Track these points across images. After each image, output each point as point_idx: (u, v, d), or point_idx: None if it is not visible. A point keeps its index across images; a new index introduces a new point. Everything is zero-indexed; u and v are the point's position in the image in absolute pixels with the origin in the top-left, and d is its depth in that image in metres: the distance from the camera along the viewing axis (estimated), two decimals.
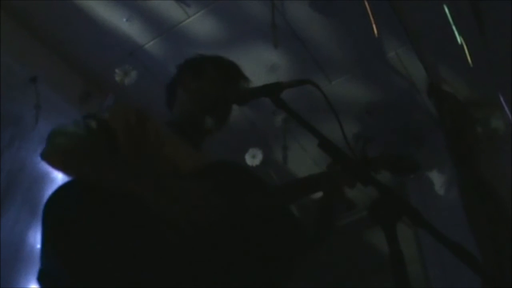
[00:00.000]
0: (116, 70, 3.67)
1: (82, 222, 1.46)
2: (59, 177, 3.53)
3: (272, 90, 1.65)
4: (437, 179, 4.32)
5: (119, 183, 1.55)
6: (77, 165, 1.61)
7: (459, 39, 3.63)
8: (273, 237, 1.72)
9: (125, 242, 1.45)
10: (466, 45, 3.67)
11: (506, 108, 4.08)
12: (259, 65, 3.94)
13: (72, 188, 1.57)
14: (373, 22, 3.47)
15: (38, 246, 3.29)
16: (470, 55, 3.70)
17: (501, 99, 4.11)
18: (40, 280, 1.47)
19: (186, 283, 1.47)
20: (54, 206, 1.51)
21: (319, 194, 1.96)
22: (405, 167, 1.96)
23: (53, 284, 1.46)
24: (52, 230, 1.47)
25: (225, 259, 1.55)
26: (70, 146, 1.65)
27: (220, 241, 1.57)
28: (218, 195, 1.61)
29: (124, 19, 3.74)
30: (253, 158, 4.22)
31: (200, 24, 3.80)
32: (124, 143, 1.70)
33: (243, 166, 1.89)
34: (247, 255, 1.60)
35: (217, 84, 2.08)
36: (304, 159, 4.65)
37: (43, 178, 3.49)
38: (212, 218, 1.56)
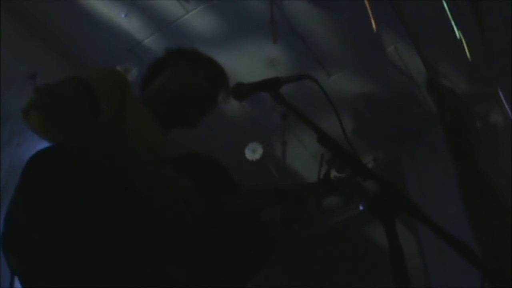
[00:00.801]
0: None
1: (59, 190, 1.41)
2: None
3: (271, 85, 1.65)
4: (436, 175, 4.32)
5: (104, 156, 1.50)
6: (55, 126, 1.55)
7: (458, 33, 3.63)
8: (234, 236, 1.70)
9: (101, 216, 1.40)
10: (465, 40, 3.67)
11: (505, 103, 4.09)
12: (258, 60, 3.94)
13: (56, 151, 1.52)
14: (372, 17, 3.46)
15: None
16: (469, 49, 3.70)
17: (500, 93, 4.11)
18: (4, 245, 1.41)
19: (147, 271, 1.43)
20: (34, 168, 1.47)
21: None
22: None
23: (18, 250, 1.40)
24: (26, 193, 1.44)
25: (189, 257, 1.54)
26: (52, 105, 1.56)
27: (187, 238, 1.55)
28: (201, 191, 1.58)
29: (123, 15, 3.73)
30: (253, 152, 4.21)
31: (199, 20, 3.79)
32: (107, 108, 1.65)
33: (216, 161, 1.87)
34: (209, 253, 1.59)
35: (209, 81, 2.07)
36: (303, 154, 4.65)
37: None
38: (195, 212, 1.54)
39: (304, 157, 4.66)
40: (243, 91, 1.71)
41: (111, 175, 1.48)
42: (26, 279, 1.41)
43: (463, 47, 3.69)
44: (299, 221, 1.87)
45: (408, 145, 4.68)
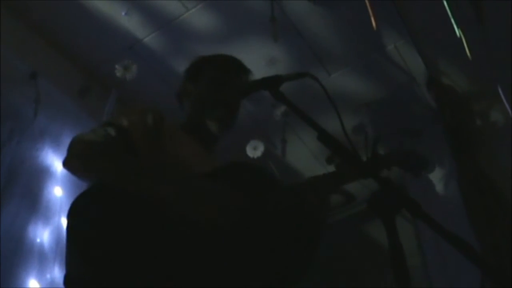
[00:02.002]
0: (116, 66, 3.66)
1: (107, 228, 1.49)
2: (58, 172, 3.53)
3: (271, 83, 1.65)
4: (436, 172, 4.32)
5: (141, 184, 1.57)
6: (97, 168, 1.63)
7: (458, 32, 3.62)
8: (289, 236, 1.71)
9: (148, 249, 1.47)
10: (465, 38, 3.67)
11: (505, 101, 4.08)
12: (259, 58, 3.94)
13: (96, 193, 1.59)
14: (372, 15, 3.46)
15: (38, 240, 3.31)
16: (469, 48, 3.70)
17: (500, 92, 4.11)
18: (66, 284, 1.50)
19: (203, 284, 1.48)
20: (79, 212, 1.54)
21: None
22: (416, 164, 1.98)
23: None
24: (78, 236, 1.50)
25: (243, 261, 1.55)
26: (89, 151, 1.67)
27: (237, 243, 1.57)
28: (241, 196, 1.62)
29: (123, 13, 3.73)
30: (254, 150, 4.22)
31: (199, 18, 3.79)
32: (142, 147, 1.73)
33: (257, 166, 1.89)
34: (262, 256, 1.60)
35: (213, 85, 2.08)
36: (303, 152, 4.65)
37: (43, 173, 3.49)
38: (234, 219, 1.57)
39: (304, 155, 4.66)
40: (244, 89, 1.72)
41: (150, 209, 1.54)
42: None
43: (463, 45, 3.69)
44: (345, 203, 1.89)
45: (408, 143, 4.67)
